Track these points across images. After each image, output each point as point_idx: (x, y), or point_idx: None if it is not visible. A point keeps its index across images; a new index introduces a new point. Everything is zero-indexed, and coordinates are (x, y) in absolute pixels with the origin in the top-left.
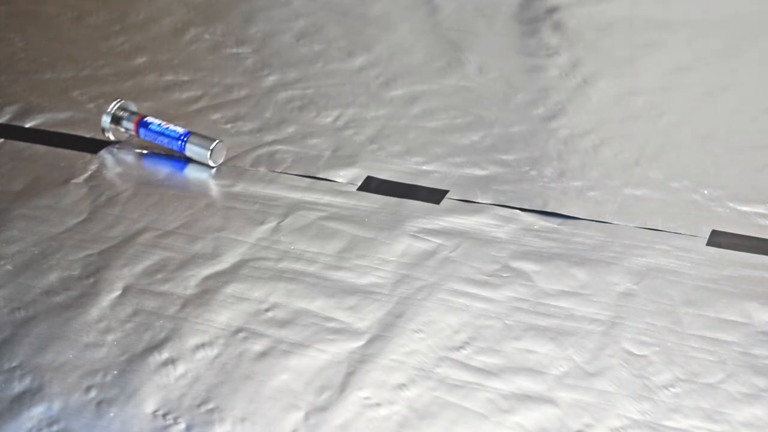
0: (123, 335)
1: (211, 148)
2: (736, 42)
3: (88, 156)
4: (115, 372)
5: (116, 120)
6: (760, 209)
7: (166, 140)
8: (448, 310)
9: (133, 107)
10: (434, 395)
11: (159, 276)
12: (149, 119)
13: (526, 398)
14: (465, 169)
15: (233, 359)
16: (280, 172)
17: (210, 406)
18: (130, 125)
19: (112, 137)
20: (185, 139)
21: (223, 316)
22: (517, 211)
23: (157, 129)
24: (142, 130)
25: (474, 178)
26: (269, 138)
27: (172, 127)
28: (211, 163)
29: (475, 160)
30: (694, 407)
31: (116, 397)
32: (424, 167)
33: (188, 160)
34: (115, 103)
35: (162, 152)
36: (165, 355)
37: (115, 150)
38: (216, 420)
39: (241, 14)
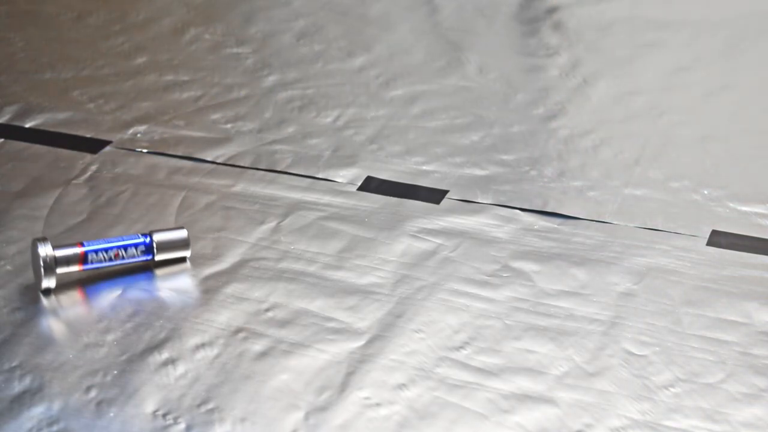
0: (123, 335)
1: (187, 236)
2: (736, 42)
3: (88, 156)
4: (115, 372)
5: (55, 263)
6: (760, 209)
7: (124, 251)
8: (448, 310)
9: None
10: (434, 395)
11: (159, 275)
12: (91, 241)
13: (526, 398)
14: (465, 169)
15: (233, 359)
16: (280, 172)
17: (210, 406)
18: (75, 257)
19: (53, 285)
20: (149, 240)
21: (223, 316)
22: (517, 211)
23: (111, 244)
24: (91, 256)
25: (474, 178)
26: (269, 138)
27: (120, 237)
28: (188, 254)
29: (475, 160)
30: (694, 407)
31: (116, 397)
32: (424, 167)
33: (153, 266)
34: (42, 245)
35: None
36: (165, 355)
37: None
38: (216, 420)
39: (241, 14)
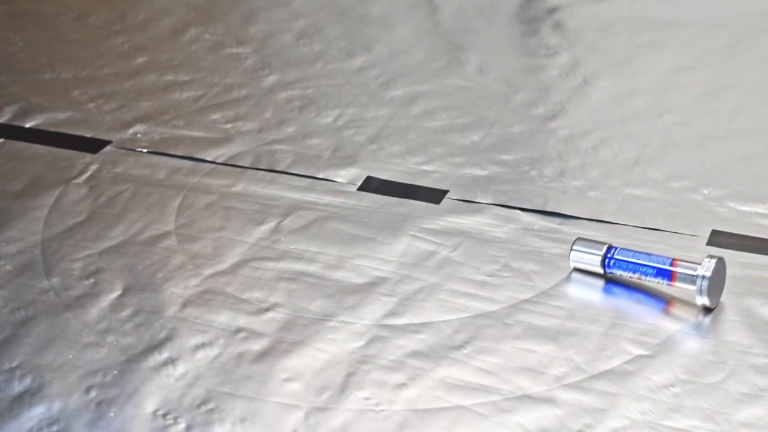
0: (123, 335)
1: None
2: (736, 42)
3: (88, 156)
4: (115, 372)
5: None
6: (760, 209)
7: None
8: (448, 310)
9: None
10: (434, 395)
11: (159, 276)
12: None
13: (526, 398)
14: (465, 169)
15: (233, 359)
16: (280, 172)
17: (210, 406)
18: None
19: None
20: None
21: (223, 316)
22: (517, 211)
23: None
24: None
25: (474, 178)
26: (269, 138)
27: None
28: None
29: (475, 160)
30: (694, 407)
31: (116, 397)
32: (424, 167)
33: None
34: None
35: None
36: (165, 355)
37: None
38: (216, 420)
39: (241, 14)
